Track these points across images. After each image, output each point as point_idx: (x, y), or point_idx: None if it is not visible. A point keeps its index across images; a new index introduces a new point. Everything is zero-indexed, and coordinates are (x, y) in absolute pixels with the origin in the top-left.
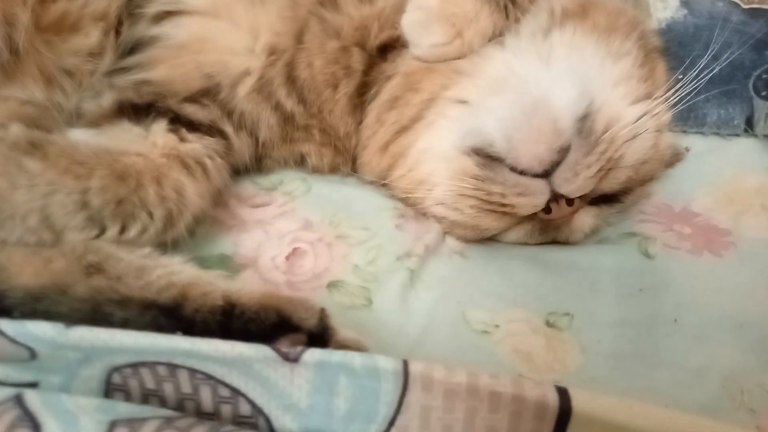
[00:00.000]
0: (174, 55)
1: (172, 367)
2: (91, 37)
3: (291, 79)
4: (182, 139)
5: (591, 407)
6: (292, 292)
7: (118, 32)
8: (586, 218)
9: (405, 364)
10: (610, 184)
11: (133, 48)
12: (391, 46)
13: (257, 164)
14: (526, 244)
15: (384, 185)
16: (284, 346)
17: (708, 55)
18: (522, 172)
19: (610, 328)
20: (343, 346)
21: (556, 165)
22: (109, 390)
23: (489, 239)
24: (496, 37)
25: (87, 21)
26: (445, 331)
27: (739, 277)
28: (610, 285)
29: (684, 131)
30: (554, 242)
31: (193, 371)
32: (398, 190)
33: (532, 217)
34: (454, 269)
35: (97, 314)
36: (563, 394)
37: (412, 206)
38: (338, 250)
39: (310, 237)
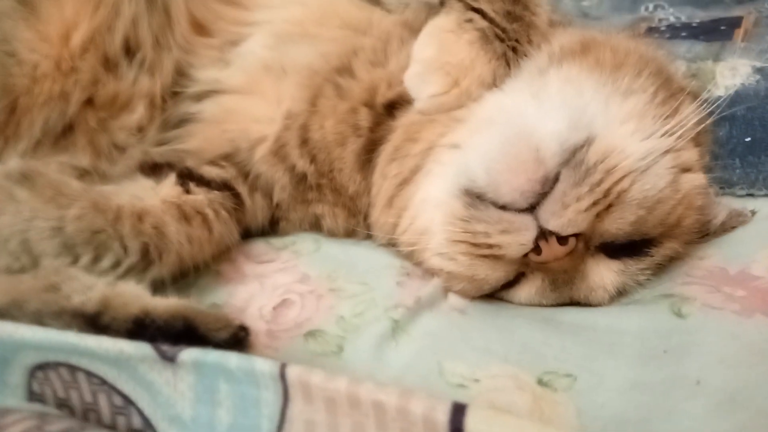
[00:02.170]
0: (206, 129)
1: (72, 370)
2: (139, 113)
3: (304, 141)
4: (187, 191)
5: (491, 428)
6: (269, 340)
7: (163, 109)
8: (606, 273)
9: (282, 367)
10: (616, 225)
11: (176, 124)
12: (398, 104)
13: (274, 227)
14: (541, 305)
15: (393, 244)
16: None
17: None
18: (504, 207)
19: (620, 392)
20: None
21: (542, 197)
22: (32, 399)
23: (499, 299)
24: (497, 84)
25: (136, 99)
26: (415, 382)
27: None
28: (630, 347)
29: (751, 194)
30: (576, 305)
31: (89, 374)
32: (403, 246)
33: (531, 266)
34: (446, 324)
35: (39, 326)
36: (457, 411)
37: (418, 263)
38: (327, 301)
39: (302, 289)
